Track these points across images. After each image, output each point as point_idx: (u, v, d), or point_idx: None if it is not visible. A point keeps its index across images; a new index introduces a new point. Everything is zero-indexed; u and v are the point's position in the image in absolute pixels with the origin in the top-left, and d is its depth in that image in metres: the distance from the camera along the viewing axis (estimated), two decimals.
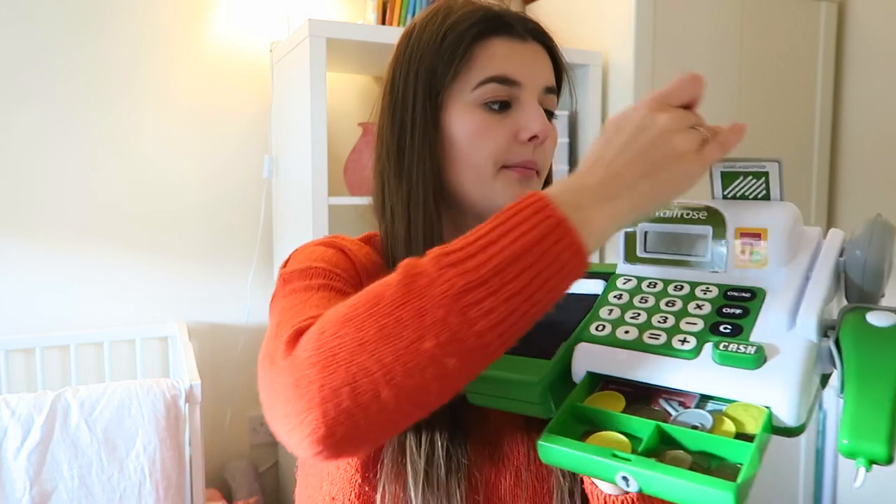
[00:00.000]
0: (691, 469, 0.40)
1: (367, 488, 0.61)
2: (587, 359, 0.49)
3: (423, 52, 0.65)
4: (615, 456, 0.42)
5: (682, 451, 0.43)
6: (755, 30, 1.85)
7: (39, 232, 1.71)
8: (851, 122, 2.04)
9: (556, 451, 0.44)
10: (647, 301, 0.51)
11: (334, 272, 0.60)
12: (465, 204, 0.66)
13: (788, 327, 0.44)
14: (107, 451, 1.38)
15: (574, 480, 0.64)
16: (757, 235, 0.49)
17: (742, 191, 0.51)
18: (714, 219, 0.51)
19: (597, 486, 0.61)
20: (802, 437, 1.98)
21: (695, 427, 0.43)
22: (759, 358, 0.43)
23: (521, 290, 0.41)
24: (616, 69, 1.75)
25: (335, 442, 0.40)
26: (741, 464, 0.40)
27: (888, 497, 1.92)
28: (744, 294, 0.48)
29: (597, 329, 0.50)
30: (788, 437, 0.43)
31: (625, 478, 0.41)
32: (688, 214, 0.52)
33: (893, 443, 0.38)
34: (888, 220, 0.47)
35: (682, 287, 0.51)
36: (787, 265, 0.48)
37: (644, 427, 0.44)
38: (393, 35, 1.55)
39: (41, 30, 1.68)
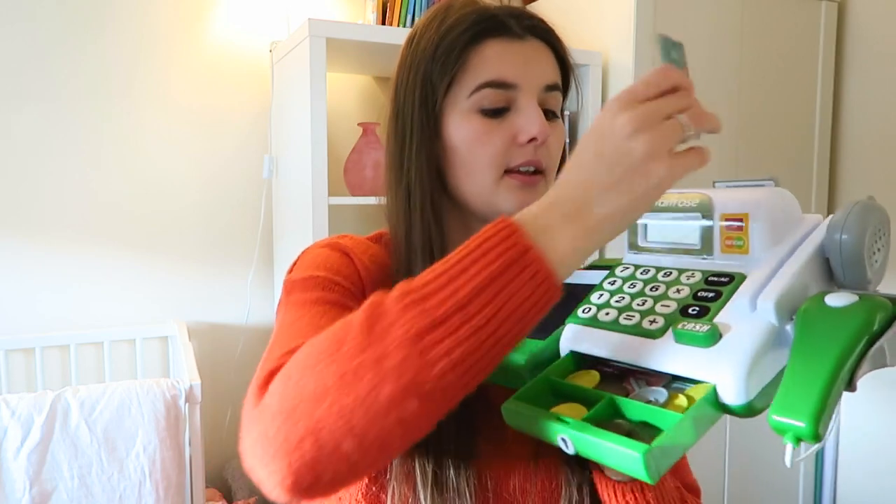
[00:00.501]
0: (627, 436, 0.42)
1: (374, 488, 0.61)
2: (569, 338, 0.52)
3: (420, 58, 0.65)
4: (559, 419, 0.45)
5: (624, 421, 0.45)
6: (755, 30, 1.85)
7: (39, 232, 1.71)
8: (851, 122, 2.04)
9: (514, 413, 0.49)
10: (635, 286, 0.53)
11: (334, 280, 0.60)
12: (470, 208, 0.66)
13: (751, 310, 0.44)
14: (107, 451, 1.38)
15: (583, 476, 0.64)
16: (739, 220, 0.48)
17: None
18: (704, 205, 0.51)
19: (604, 475, 0.62)
20: None
21: (648, 402, 0.45)
22: (712, 336, 0.43)
23: (482, 326, 0.40)
24: (616, 69, 1.75)
25: (304, 489, 0.41)
26: None
27: (888, 497, 1.92)
28: (722, 279, 0.48)
29: (583, 312, 0.53)
30: (741, 416, 0.43)
31: (564, 440, 0.44)
32: (682, 203, 0.52)
33: (821, 421, 0.38)
34: (875, 202, 0.46)
35: (670, 273, 0.52)
36: (770, 250, 0.47)
37: (598, 399, 0.47)
38: (393, 35, 1.56)
39: (41, 30, 1.68)
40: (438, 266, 0.43)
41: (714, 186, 0.52)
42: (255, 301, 1.93)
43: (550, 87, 0.65)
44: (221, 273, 1.90)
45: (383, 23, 1.83)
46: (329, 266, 0.62)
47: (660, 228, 0.54)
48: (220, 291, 1.90)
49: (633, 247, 0.56)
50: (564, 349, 0.53)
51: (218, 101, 1.87)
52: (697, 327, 0.44)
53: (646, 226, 0.55)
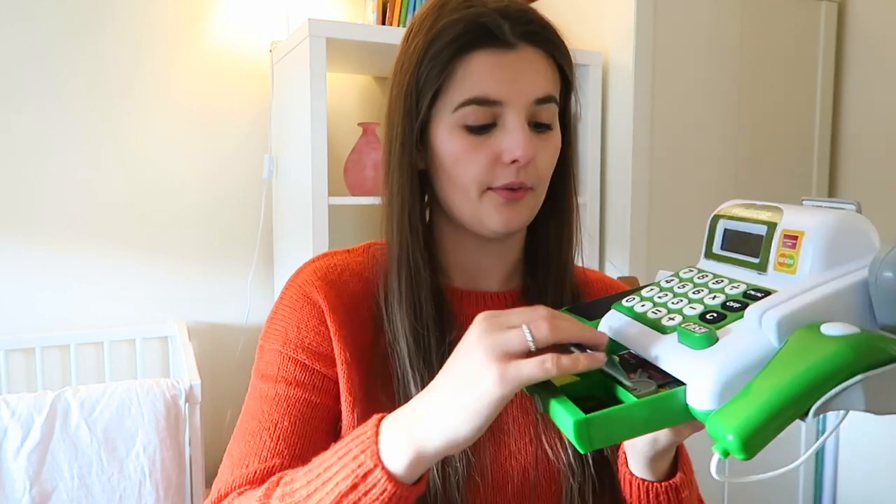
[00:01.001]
0: (589, 410, 0.43)
1: None
2: (604, 323, 0.54)
3: (410, 62, 0.63)
4: (545, 384, 0.48)
5: (604, 399, 0.48)
6: (755, 30, 1.85)
7: (39, 232, 1.71)
8: (851, 122, 2.04)
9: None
10: (684, 287, 0.52)
11: (296, 361, 0.64)
12: (457, 219, 0.66)
13: (758, 325, 0.43)
14: (107, 451, 1.38)
15: (584, 479, 0.64)
16: (794, 238, 0.45)
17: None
18: (771, 219, 0.48)
19: (634, 475, 0.62)
20: (803, 439, 1.98)
21: (633, 390, 0.46)
22: (706, 340, 0.43)
23: None
24: (616, 69, 1.75)
25: None
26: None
27: (888, 497, 1.92)
28: (758, 294, 0.46)
29: (627, 301, 0.54)
30: (703, 425, 0.42)
31: (538, 398, 0.48)
32: (756, 215, 0.50)
33: (752, 440, 0.37)
34: None
35: (721, 281, 0.51)
36: (818, 273, 0.44)
37: (593, 378, 0.50)
38: (393, 35, 1.56)
39: (41, 30, 1.68)
40: (314, 467, 0.50)
41: (801, 203, 0.50)
42: (255, 301, 1.93)
43: (542, 100, 0.62)
44: (221, 273, 1.90)
45: (383, 23, 1.83)
46: (294, 334, 0.65)
47: (730, 238, 0.52)
48: (220, 291, 1.90)
49: (707, 254, 0.55)
50: (603, 331, 0.54)
51: (218, 101, 1.87)
52: (697, 329, 0.44)
53: (724, 231, 0.53)
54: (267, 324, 0.68)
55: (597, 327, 0.55)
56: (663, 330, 0.47)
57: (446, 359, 0.62)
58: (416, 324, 0.62)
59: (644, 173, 1.72)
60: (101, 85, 1.75)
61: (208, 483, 1.74)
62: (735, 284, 0.49)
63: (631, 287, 0.64)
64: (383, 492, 0.46)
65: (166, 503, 1.42)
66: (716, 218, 0.54)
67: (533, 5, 0.65)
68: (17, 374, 1.70)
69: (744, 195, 1.88)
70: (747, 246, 0.50)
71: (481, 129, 0.61)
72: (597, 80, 1.77)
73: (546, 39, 0.62)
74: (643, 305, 0.52)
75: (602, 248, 1.82)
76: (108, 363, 1.76)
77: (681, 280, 0.54)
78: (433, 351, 0.62)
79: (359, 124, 1.75)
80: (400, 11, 1.81)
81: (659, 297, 0.52)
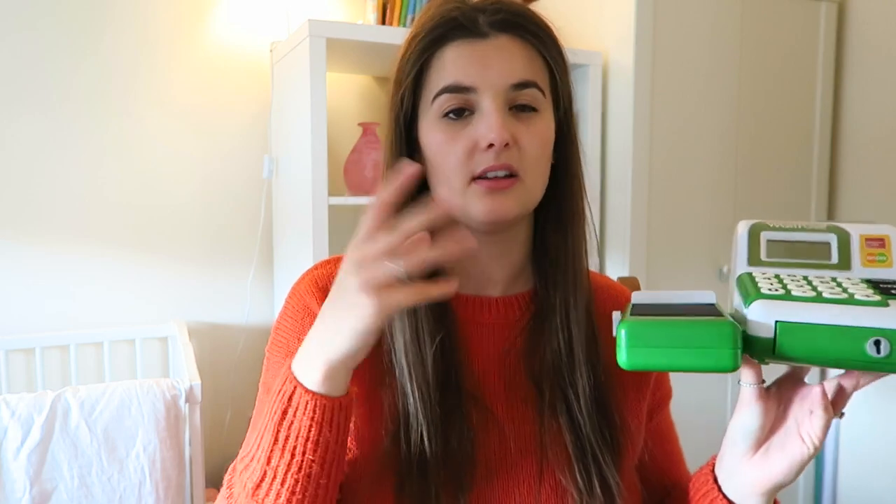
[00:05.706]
0: None
1: None
2: (774, 311, 0.52)
3: (399, 64, 0.65)
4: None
5: None
6: (755, 30, 1.85)
7: (40, 232, 1.71)
8: (851, 122, 2.04)
9: None
10: (796, 279, 0.56)
11: None
12: (453, 214, 0.65)
13: None
14: (107, 451, 1.38)
15: (592, 497, 0.62)
16: (881, 241, 0.57)
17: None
18: (836, 229, 0.58)
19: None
20: None
21: None
22: (886, 300, 0.50)
23: (290, 463, 0.54)
24: (616, 69, 1.75)
25: None
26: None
27: (889, 495, 1.92)
28: (889, 282, 0.54)
29: (769, 290, 0.54)
30: None
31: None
32: (809, 226, 0.59)
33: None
34: None
35: (822, 277, 0.57)
36: None
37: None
38: (393, 35, 1.56)
39: (42, 31, 1.68)
40: (257, 433, 0.57)
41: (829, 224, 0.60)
42: (255, 301, 1.93)
43: (519, 86, 0.62)
44: (221, 273, 1.90)
45: (383, 23, 1.83)
46: (296, 347, 0.63)
47: (786, 246, 0.59)
48: (220, 291, 1.90)
49: (754, 261, 0.59)
50: (768, 320, 0.52)
51: (218, 101, 1.87)
52: (872, 295, 0.51)
53: (767, 242, 0.59)
54: (272, 333, 0.69)
55: (738, 320, 0.54)
56: (872, 304, 0.50)
57: (438, 354, 0.62)
58: (412, 320, 0.62)
59: (644, 173, 1.72)
60: (101, 85, 1.75)
61: (208, 483, 1.74)
62: (844, 276, 0.56)
63: (634, 289, 0.63)
64: (307, 404, 0.53)
65: (166, 503, 1.42)
66: (756, 229, 0.60)
67: (533, 6, 0.65)
68: (17, 374, 1.70)
69: (744, 195, 1.88)
70: (804, 252, 0.58)
71: (458, 116, 0.62)
72: (597, 80, 1.77)
73: (519, 26, 0.63)
74: (803, 292, 0.53)
75: (602, 248, 1.82)
76: (108, 363, 1.76)
77: (776, 277, 0.57)
78: (427, 347, 0.62)
79: (359, 124, 1.75)
80: (400, 11, 1.82)
81: (796, 285, 0.54)
